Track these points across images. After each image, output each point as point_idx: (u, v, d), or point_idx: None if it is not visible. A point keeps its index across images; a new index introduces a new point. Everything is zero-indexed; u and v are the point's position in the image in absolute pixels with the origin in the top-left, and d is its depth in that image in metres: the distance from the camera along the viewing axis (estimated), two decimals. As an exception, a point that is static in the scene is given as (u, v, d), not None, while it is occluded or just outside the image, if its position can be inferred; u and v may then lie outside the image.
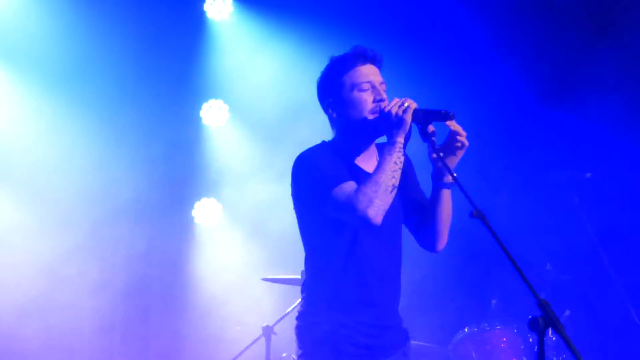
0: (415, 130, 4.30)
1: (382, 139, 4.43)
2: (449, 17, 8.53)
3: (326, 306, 4.36)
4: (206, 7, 8.91)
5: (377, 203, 4.12)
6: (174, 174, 8.70)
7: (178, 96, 8.80)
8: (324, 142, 4.55)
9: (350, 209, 4.14)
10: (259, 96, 8.78)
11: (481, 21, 8.51)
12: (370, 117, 4.38)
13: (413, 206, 4.60)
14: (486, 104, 8.28)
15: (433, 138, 4.21)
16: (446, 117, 4.23)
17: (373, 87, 4.42)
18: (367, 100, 4.40)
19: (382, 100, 4.40)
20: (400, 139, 4.24)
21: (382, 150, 4.34)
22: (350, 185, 4.21)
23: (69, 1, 8.29)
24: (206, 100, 8.95)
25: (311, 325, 4.41)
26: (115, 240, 8.45)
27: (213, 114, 8.93)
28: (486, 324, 7.26)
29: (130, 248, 8.48)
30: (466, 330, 7.30)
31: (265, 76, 8.78)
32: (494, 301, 7.65)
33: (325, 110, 4.54)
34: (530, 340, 7.10)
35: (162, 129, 8.63)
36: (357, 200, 4.12)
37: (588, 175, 7.59)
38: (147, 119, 8.59)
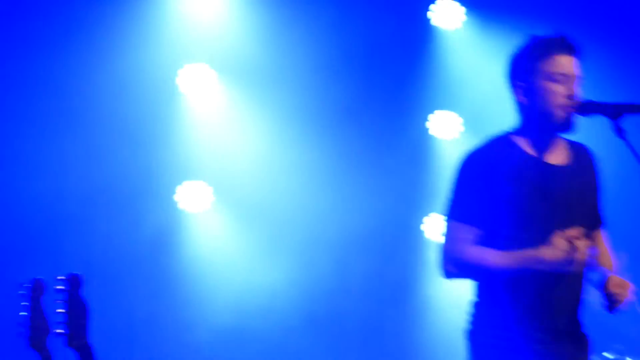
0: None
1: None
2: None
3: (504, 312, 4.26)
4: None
5: (454, 276, 4.32)
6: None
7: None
8: (507, 133, 4.41)
9: (439, 258, 4.28)
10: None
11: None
12: (558, 112, 4.26)
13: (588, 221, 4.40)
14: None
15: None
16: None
17: (567, 80, 4.27)
18: (557, 92, 4.26)
19: (572, 96, 4.24)
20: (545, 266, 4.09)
21: (577, 155, 4.38)
22: (461, 234, 4.24)
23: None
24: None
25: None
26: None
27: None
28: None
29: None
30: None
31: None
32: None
33: (514, 94, 4.42)
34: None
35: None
36: (445, 262, 4.28)
37: None
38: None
